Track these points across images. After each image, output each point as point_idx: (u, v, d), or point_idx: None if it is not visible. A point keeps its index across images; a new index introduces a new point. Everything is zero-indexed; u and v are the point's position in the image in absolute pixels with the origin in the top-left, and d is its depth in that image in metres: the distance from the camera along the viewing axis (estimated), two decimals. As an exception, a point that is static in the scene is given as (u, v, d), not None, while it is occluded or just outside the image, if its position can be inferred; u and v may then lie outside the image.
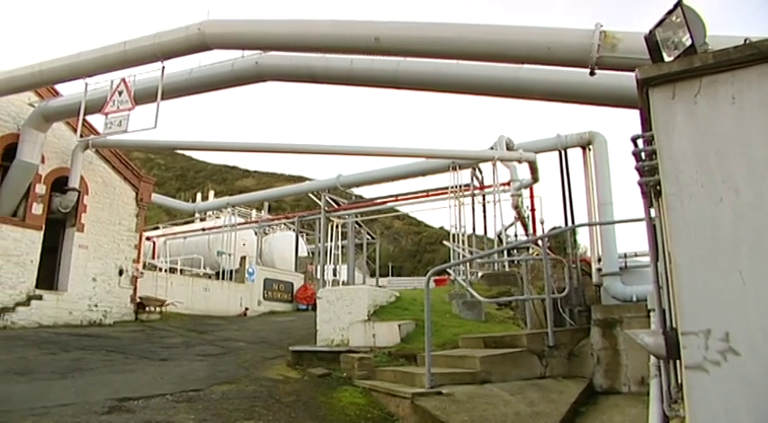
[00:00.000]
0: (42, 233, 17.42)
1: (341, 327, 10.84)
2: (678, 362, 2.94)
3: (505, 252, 16.81)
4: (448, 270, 15.03)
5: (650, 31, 2.95)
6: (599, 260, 15.68)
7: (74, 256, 18.15)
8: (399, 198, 24.89)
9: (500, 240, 19.56)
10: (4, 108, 16.78)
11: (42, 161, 17.41)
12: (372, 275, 32.34)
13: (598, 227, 15.69)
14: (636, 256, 16.14)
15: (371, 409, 6.94)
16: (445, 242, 17.73)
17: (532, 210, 22.27)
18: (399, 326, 10.00)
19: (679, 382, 3.08)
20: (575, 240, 18.24)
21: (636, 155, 3.30)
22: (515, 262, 16.59)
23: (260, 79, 13.32)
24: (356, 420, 6.56)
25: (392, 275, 43.13)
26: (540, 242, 11.82)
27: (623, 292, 14.07)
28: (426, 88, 11.83)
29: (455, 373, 7.05)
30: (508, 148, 17.66)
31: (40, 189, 17.60)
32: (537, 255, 16.16)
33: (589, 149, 16.85)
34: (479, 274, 15.86)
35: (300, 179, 48.59)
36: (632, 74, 2.96)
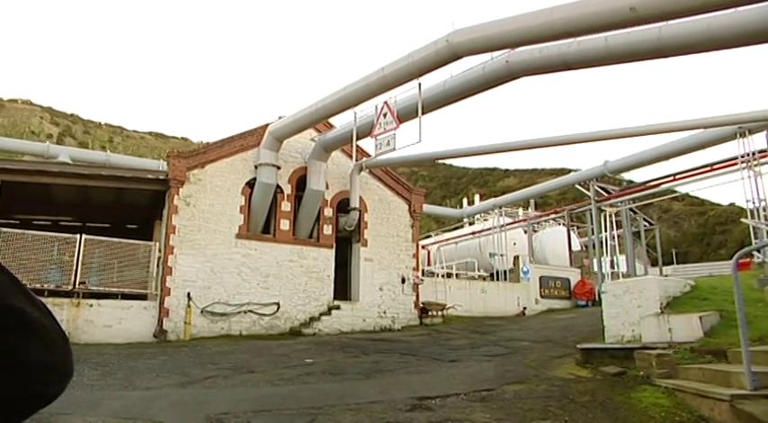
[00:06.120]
0: (334, 250, 19.67)
1: (630, 322, 10.12)
2: None
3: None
4: (753, 252, 13.09)
5: None
6: None
7: (361, 268, 20.10)
8: (677, 177, 22.56)
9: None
10: (293, 146, 19.35)
11: (327, 187, 19.66)
12: (654, 264, 29.74)
13: None
14: None
15: (679, 412, 6.31)
16: (743, 220, 15.51)
17: None
18: (700, 318, 8.98)
19: None
20: None
21: None
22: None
23: (512, 78, 13.14)
24: (662, 423, 6.01)
25: (676, 263, 39.02)
26: None
27: None
28: (698, 50, 10.41)
29: (782, 371, 6.04)
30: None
31: (328, 212, 19.91)
32: None
33: None
34: (792, 254, 13.53)
35: (562, 172, 46.94)
36: None
